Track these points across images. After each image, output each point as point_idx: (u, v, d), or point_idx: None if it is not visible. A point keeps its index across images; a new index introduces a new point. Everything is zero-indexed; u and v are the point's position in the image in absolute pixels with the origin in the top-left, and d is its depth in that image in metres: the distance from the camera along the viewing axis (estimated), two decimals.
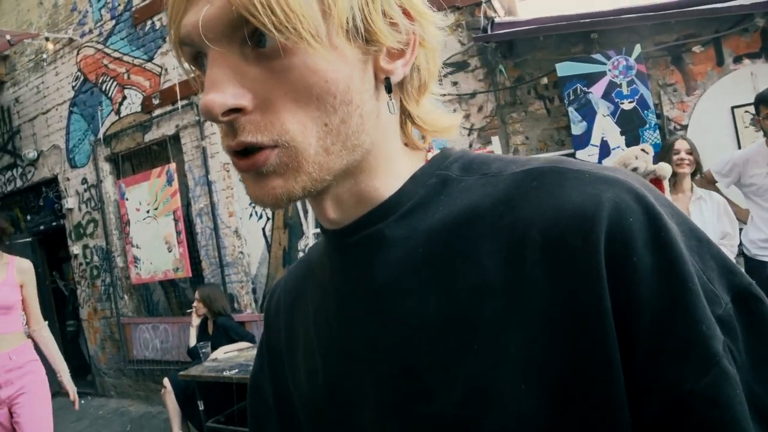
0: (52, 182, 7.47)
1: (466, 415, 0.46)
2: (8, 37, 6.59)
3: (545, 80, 4.16)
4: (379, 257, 0.53)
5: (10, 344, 3.08)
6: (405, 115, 0.56)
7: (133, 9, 6.24)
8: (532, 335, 0.44)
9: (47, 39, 6.91)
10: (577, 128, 3.95)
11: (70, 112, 7.03)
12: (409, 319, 0.50)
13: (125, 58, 6.37)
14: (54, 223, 7.58)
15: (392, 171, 0.54)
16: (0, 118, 8.07)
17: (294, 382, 0.65)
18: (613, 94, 3.85)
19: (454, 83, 4.45)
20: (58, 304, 8.31)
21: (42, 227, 7.79)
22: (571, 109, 3.96)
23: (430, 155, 0.57)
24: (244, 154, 0.47)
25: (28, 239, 7.60)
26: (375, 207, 0.54)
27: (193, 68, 0.52)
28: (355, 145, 0.49)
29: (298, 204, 5.31)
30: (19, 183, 7.86)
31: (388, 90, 0.51)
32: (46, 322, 4.04)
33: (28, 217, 8.03)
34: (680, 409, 0.41)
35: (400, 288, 0.51)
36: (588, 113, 3.91)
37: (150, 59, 6.14)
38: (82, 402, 6.99)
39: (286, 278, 0.73)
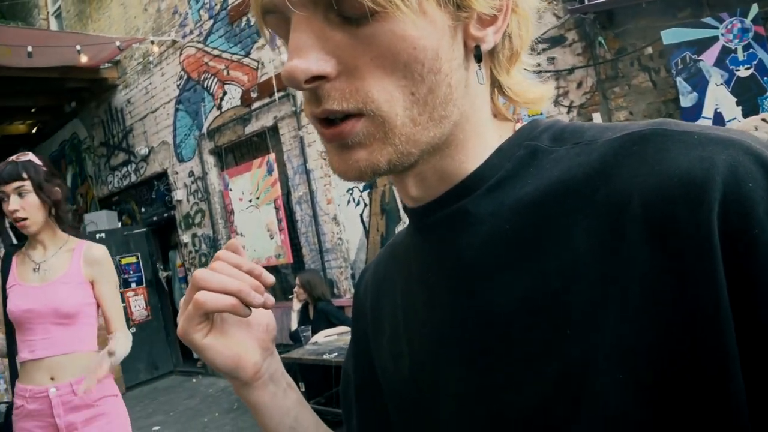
0: (163, 176, 7.99)
1: (557, 405, 0.42)
2: (118, 43, 7.09)
3: (650, 50, 3.94)
4: (463, 236, 0.50)
5: (75, 371, 2.05)
6: (494, 86, 0.53)
7: (229, 7, 6.50)
8: (632, 321, 0.39)
9: (152, 42, 7.37)
10: (687, 100, 3.72)
11: (176, 110, 7.47)
12: (496, 302, 0.47)
13: (224, 55, 6.67)
14: (165, 214, 8.12)
15: (480, 144, 0.51)
16: (114, 118, 8.70)
17: (380, 367, 0.63)
18: (726, 61, 3.58)
19: (551, 59, 4.31)
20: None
21: (155, 218, 8.36)
22: (679, 79, 3.73)
23: (518, 126, 0.54)
24: (328, 123, 0.45)
25: (143, 230, 8.16)
26: (458, 183, 0.51)
27: (277, 37, 0.51)
28: (443, 116, 0.46)
29: (395, 189, 5.36)
30: (133, 178, 8.46)
31: (478, 59, 0.48)
32: (132, 329, 3.59)
33: (143, 209, 8.63)
34: None
35: (485, 268, 0.48)
36: (699, 83, 3.67)
37: (247, 54, 6.39)
38: (194, 381, 7.47)
39: (374, 262, 0.71)
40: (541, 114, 3.17)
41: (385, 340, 0.62)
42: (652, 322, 0.38)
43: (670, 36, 3.72)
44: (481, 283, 0.48)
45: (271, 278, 0.56)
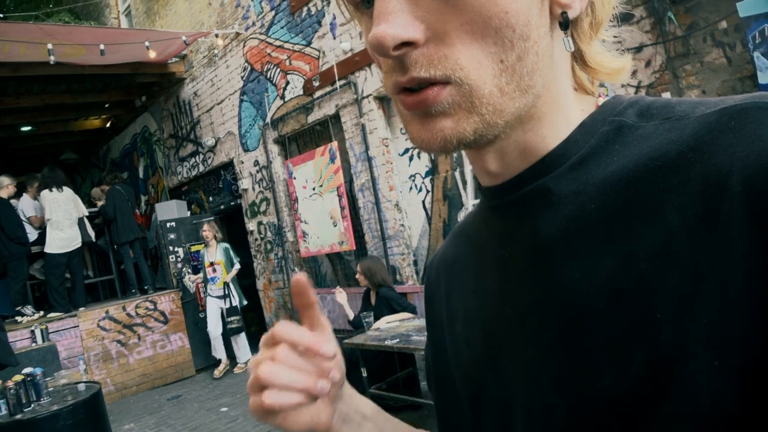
0: (229, 166, 8.23)
1: (642, 394, 0.40)
2: (184, 38, 7.33)
3: (724, 24, 3.72)
4: (545, 215, 0.48)
5: None
6: (576, 56, 0.51)
7: None
8: (729, 307, 0.36)
9: (217, 36, 7.58)
10: (766, 76, 3.51)
11: (241, 101, 7.66)
12: (578, 284, 0.44)
13: (286, 45, 6.78)
14: (232, 203, 8.37)
15: (562, 118, 0.49)
16: (182, 111, 9.01)
17: (454, 352, 0.61)
18: None
19: (618, 41, 4.16)
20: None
21: (222, 207, 8.63)
22: (757, 54, 3.51)
23: (601, 101, 0.51)
24: (409, 91, 0.44)
25: (211, 218, 8.44)
26: (539, 159, 0.49)
27: (355, 11, 0.50)
28: (529, 86, 0.45)
29: (457, 175, 5.33)
30: (201, 168, 8.75)
31: (565, 26, 0.46)
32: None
33: (211, 198, 8.92)
34: None
35: (569, 249, 0.46)
36: None
37: (308, 44, 6.46)
38: None
39: (443, 248, 0.69)
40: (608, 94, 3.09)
41: (459, 325, 0.60)
42: (753, 309, 0.35)
43: (747, 7, 3.51)
44: (563, 265, 0.46)
45: (331, 350, 0.54)
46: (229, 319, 7.29)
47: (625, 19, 4.09)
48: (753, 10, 3.50)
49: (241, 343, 7.32)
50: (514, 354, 0.51)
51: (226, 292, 7.29)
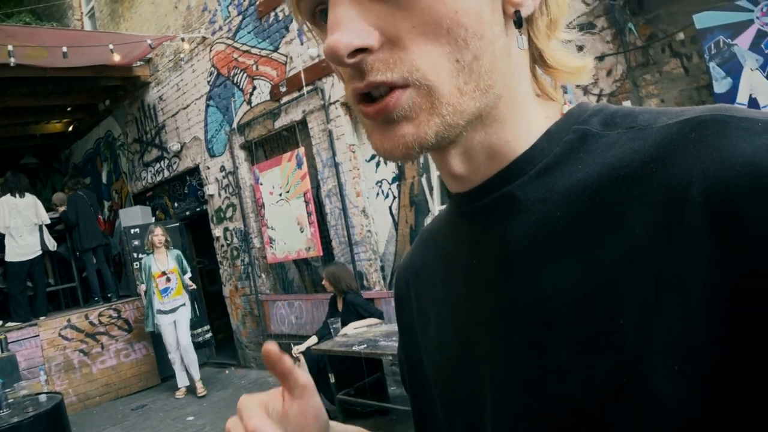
0: (195, 171, 8.13)
1: (607, 399, 0.41)
2: (149, 41, 7.23)
3: (681, 35, 3.85)
4: (512, 222, 0.49)
5: None
6: (535, 58, 0.52)
7: (257, 3, 6.57)
8: (690, 314, 0.37)
9: (183, 40, 7.50)
10: (721, 86, 3.63)
11: (207, 105, 7.58)
12: (545, 291, 0.45)
13: (253, 50, 6.74)
14: (198, 209, 8.27)
15: (524, 122, 0.50)
16: (147, 115, 8.88)
17: (427, 356, 0.62)
18: (762, 45, 3.48)
19: (580, 47, 4.26)
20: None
21: (188, 213, 8.52)
22: (712, 64, 3.64)
23: (566, 108, 0.52)
24: (370, 100, 0.44)
25: (176, 224, 8.32)
26: (505, 166, 0.49)
27: (312, 26, 0.51)
28: (488, 85, 0.45)
29: (424, 181, 5.37)
30: (166, 173, 8.62)
31: (519, 24, 0.47)
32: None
33: (176, 204, 8.80)
34: None
35: (536, 256, 0.46)
36: (733, 68, 3.58)
37: (275, 49, 6.44)
38: (226, 372, 7.60)
39: (411, 254, 0.70)
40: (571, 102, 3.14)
41: (431, 330, 0.61)
42: (715, 317, 0.36)
43: (704, 20, 3.63)
44: (530, 272, 0.47)
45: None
46: (197, 331, 6.81)
47: (587, 28, 4.19)
48: (709, 23, 3.61)
49: (194, 358, 6.76)
50: (483, 359, 0.51)
51: (184, 301, 6.74)
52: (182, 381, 6.83)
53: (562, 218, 0.46)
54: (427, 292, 0.63)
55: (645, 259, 0.40)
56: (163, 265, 6.65)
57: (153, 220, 8.63)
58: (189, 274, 6.85)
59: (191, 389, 6.81)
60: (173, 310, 6.67)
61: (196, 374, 6.73)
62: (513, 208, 0.49)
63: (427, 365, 0.62)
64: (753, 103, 3.51)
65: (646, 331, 0.39)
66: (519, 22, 0.47)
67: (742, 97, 3.57)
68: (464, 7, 0.43)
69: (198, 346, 6.87)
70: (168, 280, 6.64)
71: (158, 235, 6.66)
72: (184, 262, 6.83)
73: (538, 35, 0.50)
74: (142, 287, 6.76)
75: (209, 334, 6.97)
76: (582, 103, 0.52)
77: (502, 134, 0.49)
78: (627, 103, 4.05)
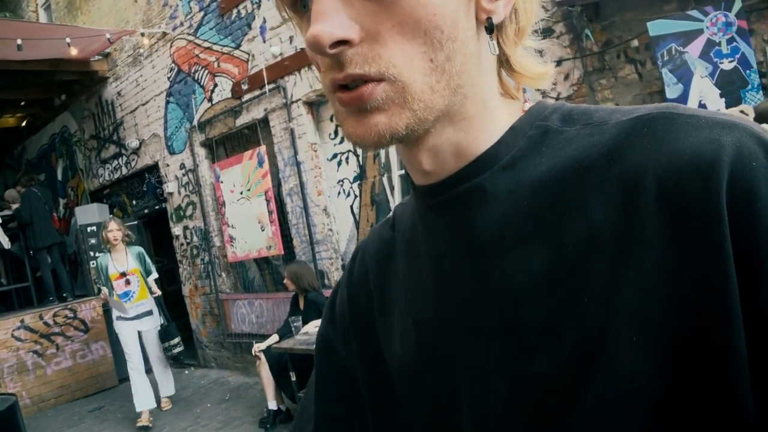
0: (154, 168, 7.98)
1: (574, 372, 0.45)
2: (108, 35, 7.06)
3: (635, 42, 3.97)
4: (480, 212, 0.51)
5: None
6: (501, 61, 0.55)
7: (219, 0, 6.49)
8: (645, 289, 0.42)
9: (143, 35, 7.34)
10: (673, 91, 3.76)
11: (167, 102, 7.46)
12: (513, 276, 0.49)
13: (215, 47, 6.66)
14: (157, 207, 8.12)
15: (491, 121, 0.52)
16: (105, 111, 8.68)
17: (386, 342, 0.64)
18: (711, 54, 3.62)
19: (539, 51, 4.34)
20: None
21: (146, 211, 8.37)
22: (665, 71, 3.77)
23: (527, 106, 0.55)
24: (347, 90, 0.47)
25: (134, 222, 8.16)
26: (472, 160, 0.52)
27: (293, 14, 0.52)
28: (458, 85, 0.48)
29: (385, 180, 5.40)
30: (124, 171, 8.45)
31: (490, 30, 0.50)
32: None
33: (134, 202, 8.63)
34: None
35: (503, 244, 0.50)
36: (684, 75, 3.71)
37: (237, 47, 6.39)
38: (186, 372, 7.50)
39: (371, 239, 0.71)
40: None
41: (391, 318, 0.63)
42: (665, 290, 0.41)
43: (657, 27, 3.76)
44: (498, 258, 0.50)
45: None
46: (170, 343, 5.78)
47: (546, 33, 4.28)
48: (662, 30, 3.74)
49: (168, 375, 6.00)
50: (452, 344, 0.54)
51: (150, 308, 5.79)
52: (145, 403, 5.64)
53: (529, 207, 0.49)
54: (388, 280, 0.65)
55: (605, 241, 0.45)
56: (122, 265, 5.65)
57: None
58: (154, 275, 5.87)
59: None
60: (137, 317, 5.73)
61: (170, 391, 6.01)
62: (481, 198, 0.51)
63: (387, 353, 0.64)
64: (702, 107, 3.62)
65: (607, 307, 0.43)
66: (490, 28, 0.50)
67: (693, 102, 3.71)
68: (442, 11, 0.45)
69: (175, 359, 6.00)
70: (128, 282, 5.66)
71: (113, 230, 5.61)
72: (148, 260, 5.87)
73: (507, 41, 0.53)
74: (105, 291, 5.66)
75: (181, 347, 5.89)
76: (541, 102, 0.56)
77: (469, 131, 0.52)
78: None
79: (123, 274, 5.63)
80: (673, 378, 0.41)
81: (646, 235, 0.42)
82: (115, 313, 5.76)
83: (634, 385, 0.42)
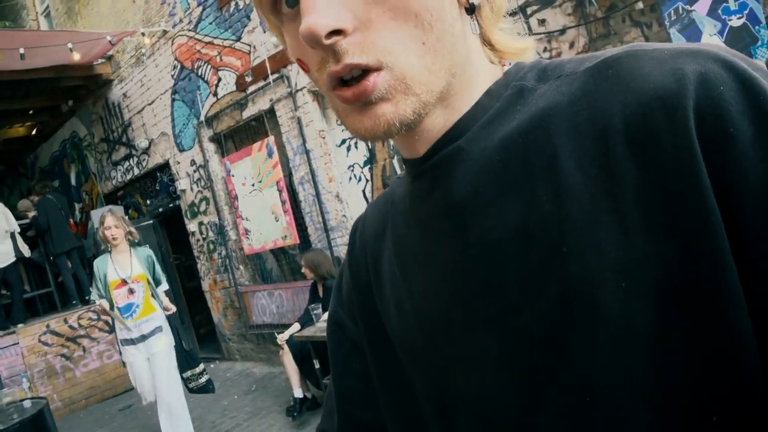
0: (165, 167, 8.02)
1: (560, 323, 0.44)
2: (109, 38, 7.07)
3: (640, 4, 3.89)
4: (456, 172, 0.52)
5: None
6: (484, 40, 0.56)
7: None
8: (626, 231, 0.41)
9: (143, 34, 7.33)
10: None
11: (173, 100, 7.48)
12: (491, 232, 0.49)
13: (216, 41, 6.65)
14: (171, 205, 8.17)
15: (476, 91, 0.53)
16: (112, 113, 8.72)
17: (385, 315, 0.65)
18: (719, 11, 3.54)
19: (542, 21, 4.29)
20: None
21: (161, 209, 8.42)
22: (672, 30, 3.70)
23: (506, 69, 0.56)
24: (346, 85, 0.47)
25: (150, 222, 8.22)
26: (452, 126, 0.53)
27: (275, 17, 0.52)
28: (451, 64, 0.48)
29: (395, 163, 5.39)
30: (136, 171, 8.50)
31: (471, 11, 0.51)
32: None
33: (148, 201, 8.69)
34: None
35: (480, 200, 0.50)
36: (692, 34, 3.64)
37: (238, 39, 6.37)
38: (212, 365, 7.58)
39: (368, 213, 0.72)
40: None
41: (387, 288, 0.64)
42: (647, 231, 0.40)
43: None
44: (475, 216, 0.50)
45: None
46: (190, 374, 4.72)
47: (548, 2, 4.22)
48: None
49: (184, 416, 4.53)
50: (441, 307, 0.54)
51: (160, 323, 4.46)
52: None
53: (501, 161, 0.49)
54: (384, 252, 0.66)
55: (578, 188, 0.44)
56: (125, 271, 4.41)
57: None
58: (164, 286, 4.68)
59: None
60: (144, 338, 4.41)
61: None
62: (458, 160, 0.52)
63: (386, 323, 0.64)
64: None
65: (587, 254, 0.43)
66: (471, 9, 0.51)
67: None
68: None
69: (197, 392, 4.87)
70: (131, 291, 4.38)
71: (110, 226, 4.34)
72: (158, 268, 4.65)
73: (485, 21, 0.54)
74: (104, 303, 4.38)
75: (205, 376, 4.80)
76: (519, 63, 0.56)
77: (456, 105, 0.52)
78: None
79: (124, 281, 4.37)
80: (667, 320, 0.40)
81: (620, 177, 0.42)
82: (119, 333, 4.49)
83: (625, 332, 0.41)
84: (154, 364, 4.41)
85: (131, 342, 4.42)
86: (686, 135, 0.39)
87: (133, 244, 4.59)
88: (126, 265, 4.45)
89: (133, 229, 4.57)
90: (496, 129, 0.51)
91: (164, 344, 4.47)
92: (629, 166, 0.42)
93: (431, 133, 0.53)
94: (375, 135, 0.48)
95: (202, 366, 4.80)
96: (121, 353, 4.57)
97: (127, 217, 4.71)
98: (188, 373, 4.70)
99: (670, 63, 0.42)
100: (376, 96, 0.46)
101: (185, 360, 4.61)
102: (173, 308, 4.71)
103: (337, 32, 0.44)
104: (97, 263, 4.48)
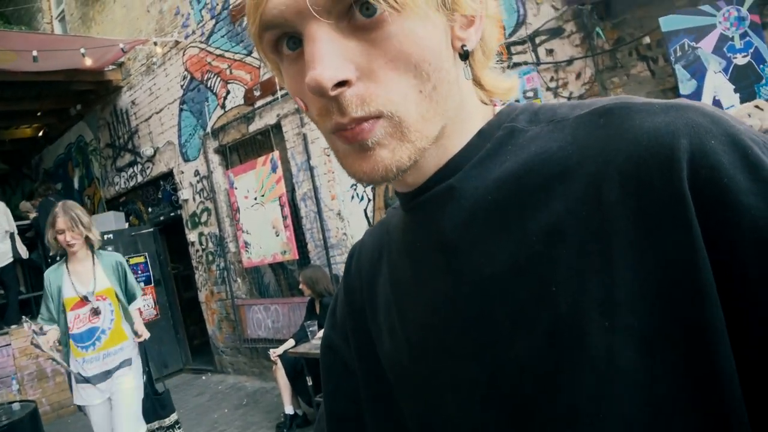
0: (168, 176, 8.04)
1: (548, 356, 0.46)
2: (121, 45, 7.14)
3: (647, 39, 3.94)
4: (449, 210, 0.54)
5: None
6: (475, 81, 0.58)
7: (230, 7, 6.54)
8: (614, 275, 0.43)
9: (155, 44, 7.41)
10: (686, 87, 3.72)
11: (181, 110, 7.53)
12: (483, 268, 0.50)
13: (226, 54, 6.71)
14: (172, 214, 8.18)
15: (468, 131, 0.55)
16: (120, 120, 8.77)
17: (378, 339, 0.66)
18: (724, 49, 3.58)
19: (549, 51, 4.34)
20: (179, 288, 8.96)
21: (162, 218, 8.43)
22: (678, 66, 3.73)
23: (497, 110, 0.58)
24: (345, 129, 0.48)
25: (150, 229, 8.22)
26: (444, 163, 0.55)
27: (274, 56, 0.52)
28: (445, 110, 0.50)
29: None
30: (139, 178, 8.52)
31: (465, 57, 0.53)
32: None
33: (150, 209, 8.70)
34: None
35: (471, 238, 0.52)
36: (697, 70, 3.68)
37: (249, 53, 6.43)
38: (203, 378, 7.53)
39: (365, 240, 0.74)
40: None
41: (381, 315, 0.66)
42: (635, 274, 0.42)
43: (669, 23, 3.73)
44: (468, 252, 0.52)
45: None
46: (158, 426, 3.67)
47: (556, 33, 4.27)
48: (674, 26, 3.70)
49: None
50: (432, 337, 0.56)
51: (129, 356, 3.41)
52: None
53: (494, 201, 0.51)
54: (379, 279, 0.67)
55: (569, 230, 0.46)
56: (85, 285, 3.35)
57: (126, 225, 8.52)
58: (138, 302, 3.63)
59: None
60: (107, 375, 3.31)
61: None
62: (450, 197, 0.54)
63: (379, 349, 0.66)
64: (716, 104, 3.60)
65: (576, 293, 0.45)
66: (465, 55, 0.53)
67: (707, 98, 3.67)
68: (428, 44, 0.47)
69: None
70: (95, 313, 3.31)
71: (63, 231, 3.25)
72: (130, 276, 3.57)
73: (477, 64, 0.57)
74: (50, 334, 3.25)
75: (180, 428, 3.83)
76: (511, 104, 0.58)
77: (449, 144, 0.55)
78: None
79: (85, 299, 3.30)
80: (651, 360, 0.41)
81: (611, 223, 0.44)
82: (72, 364, 3.32)
83: (609, 366, 0.43)
84: (113, 407, 3.33)
85: (86, 381, 3.26)
86: (680, 185, 0.41)
87: (94, 250, 3.49)
88: (87, 277, 3.37)
89: (94, 232, 3.41)
90: (489, 169, 0.53)
91: (130, 383, 3.38)
92: (622, 211, 0.43)
93: (424, 170, 0.55)
94: (373, 179, 0.49)
95: (174, 417, 3.68)
96: (71, 391, 3.37)
97: (84, 211, 3.43)
98: (155, 425, 3.57)
99: (661, 116, 0.44)
100: (373, 141, 0.47)
101: (153, 407, 3.57)
102: (146, 334, 3.53)
103: (342, 83, 0.46)
104: (49, 275, 3.35)
